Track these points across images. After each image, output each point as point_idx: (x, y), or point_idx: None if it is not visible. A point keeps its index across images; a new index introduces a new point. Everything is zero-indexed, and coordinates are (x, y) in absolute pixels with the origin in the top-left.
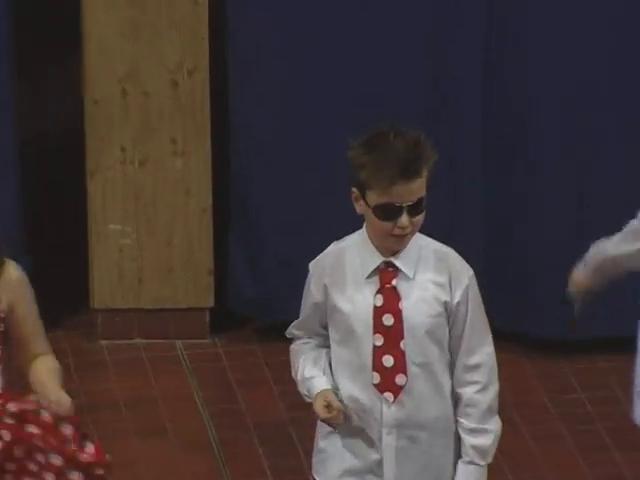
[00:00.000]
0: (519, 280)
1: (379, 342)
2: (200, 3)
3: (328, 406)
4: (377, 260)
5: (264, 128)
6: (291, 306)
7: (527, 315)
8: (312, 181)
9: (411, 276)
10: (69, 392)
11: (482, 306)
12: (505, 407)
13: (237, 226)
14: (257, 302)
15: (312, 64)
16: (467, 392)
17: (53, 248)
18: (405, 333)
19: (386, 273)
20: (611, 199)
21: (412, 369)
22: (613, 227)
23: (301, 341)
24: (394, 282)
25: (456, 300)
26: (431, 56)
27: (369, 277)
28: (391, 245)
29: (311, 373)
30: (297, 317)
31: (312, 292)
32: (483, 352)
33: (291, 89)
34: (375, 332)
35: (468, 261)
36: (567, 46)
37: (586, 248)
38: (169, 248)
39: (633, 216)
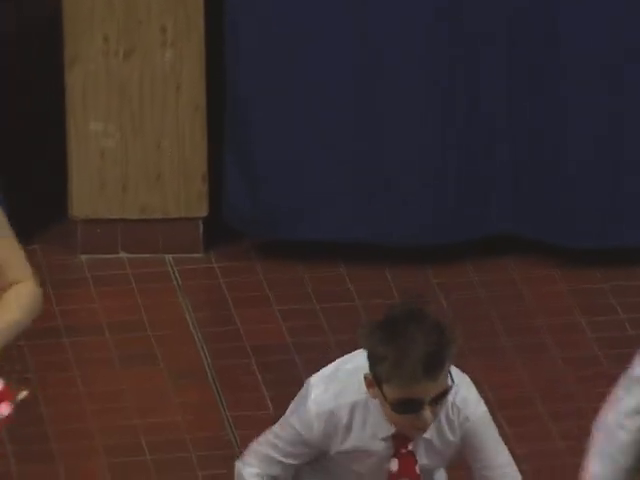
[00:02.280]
0: (551, 185)
1: None
2: None
3: None
4: (392, 428)
5: (264, 12)
6: (292, 223)
7: (559, 224)
8: (315, 75)
9: (428, 438)
10: (44, 313)
11: (495, 429)
12: (536, 329)
13: (231, 128)
14: (253, 217)
15: None
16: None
17: (26, 150)
18: None
19: (401, 437)
20: None
21: None
22: None
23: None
24: (410, 447)
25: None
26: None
27: (383, 439)
28: (410, 435)
29: None
30: (301, 234)
31: (313, 436)
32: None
33: None
34: None
35: (497, 167)
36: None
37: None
38: (157, 151)
39: None
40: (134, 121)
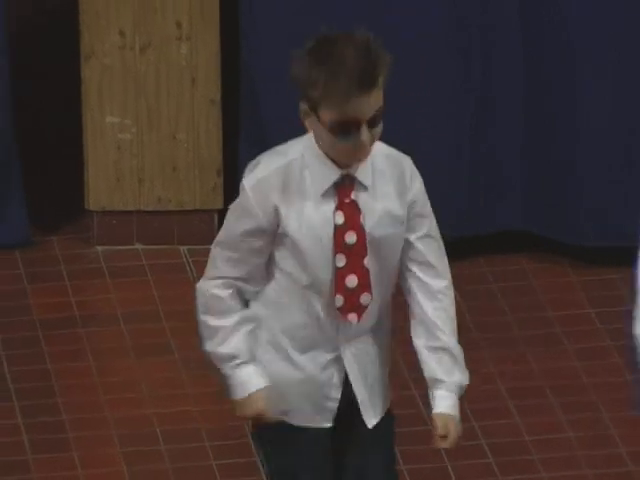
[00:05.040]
0: (560, 183)
1: (341, 263)
2: None
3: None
4: (334, 174)
5: (280, 8)
6: None
7: (568, 222)
8: None
9: (369, 185)
10: (61, 303)
11: (433, 216)
12: (547, 322)
13: (247, 121)
14: None
15: None
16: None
17: (44, 142)
18: (367, 249)
19: (343, 187)
20: None
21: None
22: None
23: (220, 283)
24: (353, 195)
25: (409, 198)
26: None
27: (325, 194)
28: (352, 161)
29: (246, 355)
30: None
31: (254, 217)
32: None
33: None
34: (337, 252)
35: (506, 164)
36: None
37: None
38: (173, 144)
39: None
40: (150, 115)
